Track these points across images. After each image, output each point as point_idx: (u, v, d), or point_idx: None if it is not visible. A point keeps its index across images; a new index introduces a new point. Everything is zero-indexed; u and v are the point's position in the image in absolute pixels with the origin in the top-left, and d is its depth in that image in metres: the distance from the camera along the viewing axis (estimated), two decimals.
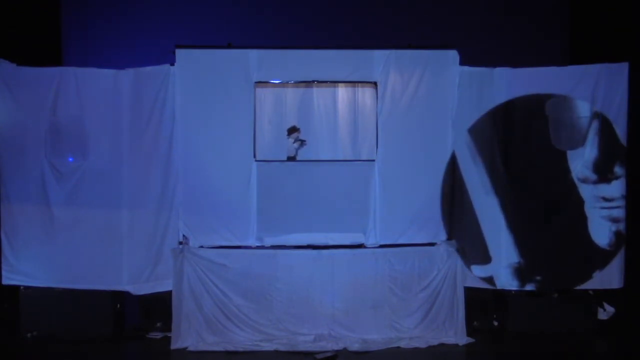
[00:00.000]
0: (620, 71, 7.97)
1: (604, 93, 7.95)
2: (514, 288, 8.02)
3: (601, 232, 7.97)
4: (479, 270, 8.04)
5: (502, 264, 8.00)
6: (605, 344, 7.89)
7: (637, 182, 8.22)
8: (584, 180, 7.97)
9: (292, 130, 8.37)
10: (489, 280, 8.04)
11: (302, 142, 8.37)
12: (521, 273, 7.98)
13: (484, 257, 8.03)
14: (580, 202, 7.98)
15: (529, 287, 8.01)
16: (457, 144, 8.04)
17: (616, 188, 7.99)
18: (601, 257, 7.99)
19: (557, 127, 7.99)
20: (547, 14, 9.96)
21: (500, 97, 8.03)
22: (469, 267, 8.02)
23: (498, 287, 8.03)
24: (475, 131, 8.02)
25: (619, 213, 7.99)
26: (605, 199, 7.97)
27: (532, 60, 8.72)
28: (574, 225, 7.99)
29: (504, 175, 8.00)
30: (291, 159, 8.34)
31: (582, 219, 7.99)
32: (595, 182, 7.98)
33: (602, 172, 7.97)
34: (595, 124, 7.95)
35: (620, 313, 8.32)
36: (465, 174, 8.04)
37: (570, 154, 8.00)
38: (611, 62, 8.00)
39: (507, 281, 8.01)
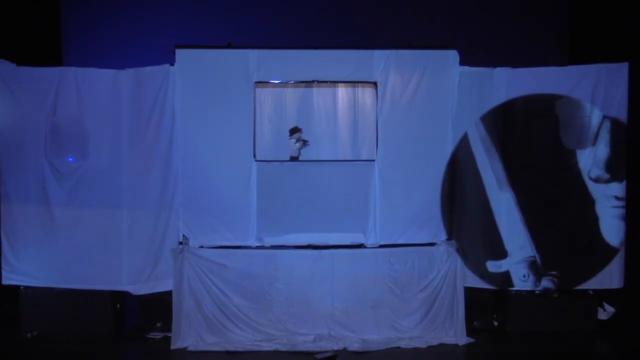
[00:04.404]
0: (620, 71, 7.98)
1: (604, 93, 7.97)
2: (530, 285, 8.02)
3: (613, 231, 7.98)
4: (494, 266, 8.04)
5: (518, 259, 8.00)
6: (605, 344, 7.89)
7: (637, 182, 8.22)
8: (597, 180, 7.97)
9: (294, 130, 8.36)
10: (505, 275, 8.03)
11: (305, 142, 8.36)
12: (537, 267, 7.99)
13: (500, 252, 8.03)
14: (591, 201, 7.99)
15: (545, 282, 8.00)
16: (470, 136, 8.04)
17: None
18: (612, 256, 8.00)
19: (567, 126, 8.00)
20: (547, 14, 9.97)
21: (500, 97, 8.04)
22: (484, 264, 8.03)
23: (514, 286, 8.05)
24: (488, 124, 8.03)
25: None
26: (618, 198, 7.98)
27: (532, 60, 8.73)
28: (585, 224, 7.99)
29: (516, 170, 8.01)
30: (294, 159, 8.33)
31: (594, 219, 7.99)
32: (607, 181, 7.98)
33: (615, 171, 7.98)
34: (607, 123, 7.96)
35: (620, 313, 8.32)
36: (480, 166, 8.03)
37: (580, 153, 8.01)
38: (611, 62, 8.01)
39: (523, 276, 8.00)
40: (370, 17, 9.81)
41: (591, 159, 8.00)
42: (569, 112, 7.99)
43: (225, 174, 7.92)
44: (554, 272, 8.00)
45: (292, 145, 8.35)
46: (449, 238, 8.05)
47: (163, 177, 7.94)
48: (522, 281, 8.03)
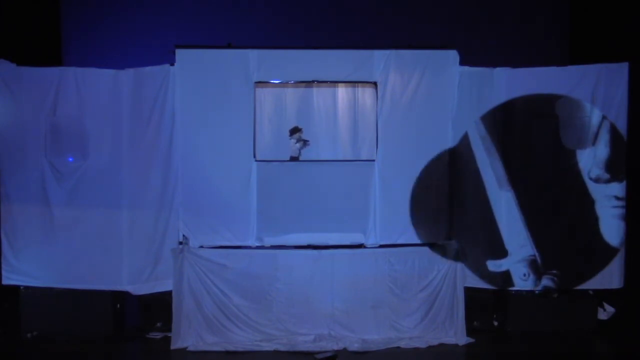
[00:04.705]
0: (620, 71, 7.99)
1: (604, 93, 7.98)
2: (530, 284, 8.01)
3: (613, 231, 7.98)
4: (494, 266, 8.04)
5: (518, 258, 8.00)
6: (605, 344, 7.89)
7: (637, 182, 8.22)
8: (597, 180, 7.98)
9: (295, 130, 8.36)
10: (505, 275, 8.03)
11: (305, 142, 8.36)
12: (537, 266, 7.99)
13: (500, 252, 8.03)
14: (590, 201, 7.99)
15: (546, 280, 8.00)
16: (471, 136, 8.03)
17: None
18: (612, 256, 8.00)
19: (566, 126, 8.00)
20: (547, 14, 9.96)
21: (500, 97, 8.05)
22: (484, 263, 8.03)
23: (514, 285, 8.04)
24: (489, 123, 8.02)
25: None
26: (618, 198, 7.98)
27: (532, 60, 8.73)
28: (585, 224, 8.00)
29: (516, 169, 8.02)
30: (294, 159, 8.33)
31: (594, 219, 7.99)
32: (607, 181, 7.98)
33: (614, 171, 7.98)
34: (606, 123, 7.96)
35: (620, 313, 8.32)
36: (480, 166, 8.02)
37: (579, 153, 8.01)
38: (611, 62, 8.01)
39: (523, 275, 8.00)
40: (370, 17, 9.80)
41: (591, 159, 8.00)
42: (568, 112, 8.00)
43: (225, 174, 7.92)
44: (554, 271, 8.00)
45: (293, 145, 8.35)
46: (450, 237, 8.05)
47: (163, 177, 7.94)
48: (522, 280, 8.03)
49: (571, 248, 8.01)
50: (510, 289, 8.08)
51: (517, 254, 8.02)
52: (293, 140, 8.35)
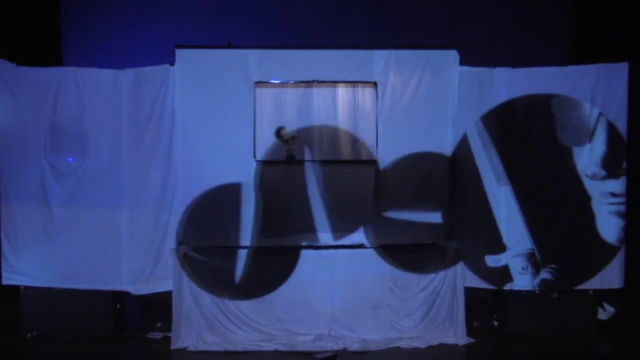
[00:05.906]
0: (620, 71, 7.99)
1: (604, 93, 7.98)
2: (529, 278, 8.01)
3: (610, 228, 7.99)
4: (493, 261, 8.05)
5: (516, 252, 8.01)
6: (605, 344, 7.88)
7: (637, 181, 8.23)
8: (593, 177, 7.99)
9: (279, 130, 8.32)
10: (504, 270, 8.03)
11: (294, 138, 8.32)
12: (535, 260, 8.00)
13: (498, 246, 8.04)
14: (587, 199, 8.00)
15: (544, 274, 8.00)
16: (470, 136, 8.03)
17: (624, 183, 8.02)
18: (610, 254, 8.01)
19: (563, 124, 8.00)
20: (547, 14, 9.96)
21: (500, 97, 8.05)
22: (483, 258, 8.03)
23: (513, 280, 8.05)
24: (488, 123, 8.03)
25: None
26: (614, 195, 7.98)
27: (532, 60, 8.73)
28: (581, 221, 8.00)
29: (515, 166, 8.03)
30: (291, 157, 8.32)
31: (590, 216, 8.00)
32: (603, 178, 7.99)
33: (611, 168, 7.98)
34: (603, 120, 7.97)
35: (620, 313, 8.32)
36: (479, 162, 8.03)
37: (576, 151, 8.01)
38: (611, 62, 8.02)
39: (522, 269, 8.00)
40: (370, 17, 9.81)
41: (587, 157, 8.01)
42: (564, 111, 8.01)
43: (225, 174, 7.92)
44: (553, 265, 8.01)
45: (282, 146, 8.33)
46: (449, 238, 8.05)
47: (163, 177, 7.94)
48: (521, 274, 8.03)
49: (568, 243, 8.01)
50: (510, 286, 8.08)
51: (516, 248, 8.03)
52: (281, 141, 8.32)
